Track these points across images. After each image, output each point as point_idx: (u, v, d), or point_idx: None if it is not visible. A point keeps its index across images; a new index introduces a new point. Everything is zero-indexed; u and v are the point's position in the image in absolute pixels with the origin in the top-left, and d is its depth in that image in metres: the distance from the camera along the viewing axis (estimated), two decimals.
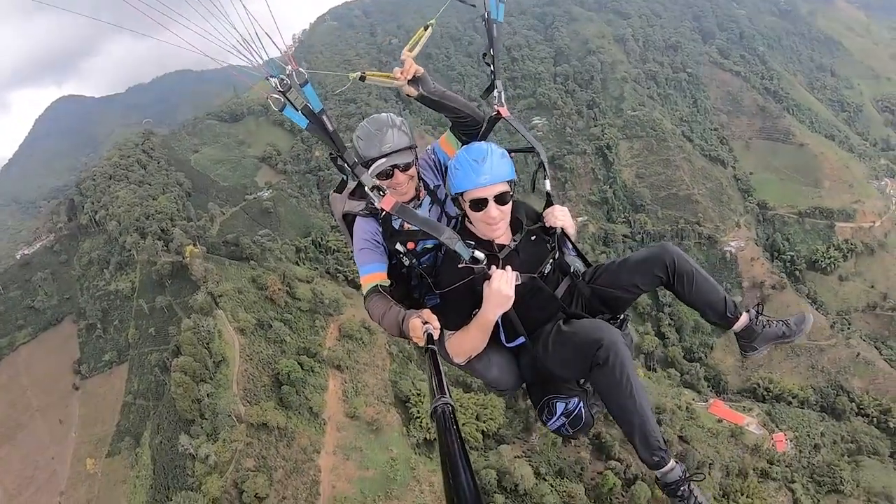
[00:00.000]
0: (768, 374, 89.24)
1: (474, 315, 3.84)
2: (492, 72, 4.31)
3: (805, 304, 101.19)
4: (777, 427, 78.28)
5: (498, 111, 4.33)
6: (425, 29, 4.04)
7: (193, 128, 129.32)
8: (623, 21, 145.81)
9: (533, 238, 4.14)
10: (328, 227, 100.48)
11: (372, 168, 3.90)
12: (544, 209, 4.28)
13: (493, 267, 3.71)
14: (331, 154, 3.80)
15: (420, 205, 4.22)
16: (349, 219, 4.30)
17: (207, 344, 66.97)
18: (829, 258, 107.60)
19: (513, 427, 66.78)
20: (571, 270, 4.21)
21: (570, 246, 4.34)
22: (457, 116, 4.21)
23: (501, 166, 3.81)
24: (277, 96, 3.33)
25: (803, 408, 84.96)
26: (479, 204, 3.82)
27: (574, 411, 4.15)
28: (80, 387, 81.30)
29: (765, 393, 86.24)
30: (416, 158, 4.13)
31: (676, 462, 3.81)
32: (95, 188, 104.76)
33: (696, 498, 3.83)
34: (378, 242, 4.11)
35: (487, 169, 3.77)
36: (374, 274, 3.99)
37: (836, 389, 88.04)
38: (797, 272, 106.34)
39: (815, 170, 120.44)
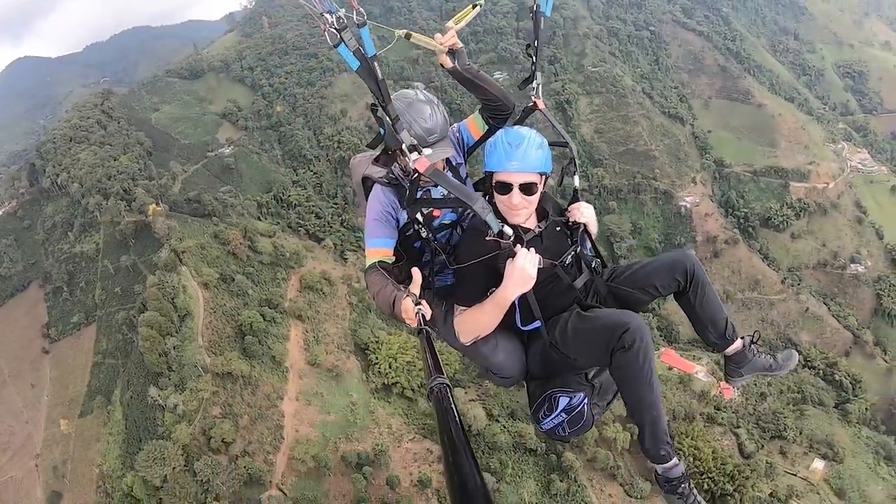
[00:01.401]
0: None
1: (490, 294, 3.80)
2: (533, 63, 4.34)
3: (757, 259, 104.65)
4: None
5: (535, 102, 4.45)
6: (473, 7, 4.00)
7: (153, 86, 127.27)
8: None
9: (557, 229, 4.15)
10: (289, 181, 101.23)
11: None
12: (569, 204, 4.34)
13: (518, 245, 3.68)
14: (372, 104, 3.68)
15: None
16: (368, 184, 4.23)
17: (172, 299, 68.25)
18: (782, 216, 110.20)
19: (468, 373, 69.55)
20: (592, 266, 4.26)
21: (589, 244, 4.37)
22: (487, 98, 4.17)
23: (535, 157, 3.80)
24: (334, 31, 3.17)
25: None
26: (504, 188, 3.84)
27: (577, 407, 4.06)
28: (50, 350, 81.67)
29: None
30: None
31: (679, 459, 3.83)
32: (56, 151, 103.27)
33: (695, 496, 3.85)
34: (391, 216, 4.05)
35: (520, 156, 3.77)
36: (379, 249, 3.94)
37: (785, 342, 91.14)
38: (750, 228, 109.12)
39: (772, 130, 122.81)
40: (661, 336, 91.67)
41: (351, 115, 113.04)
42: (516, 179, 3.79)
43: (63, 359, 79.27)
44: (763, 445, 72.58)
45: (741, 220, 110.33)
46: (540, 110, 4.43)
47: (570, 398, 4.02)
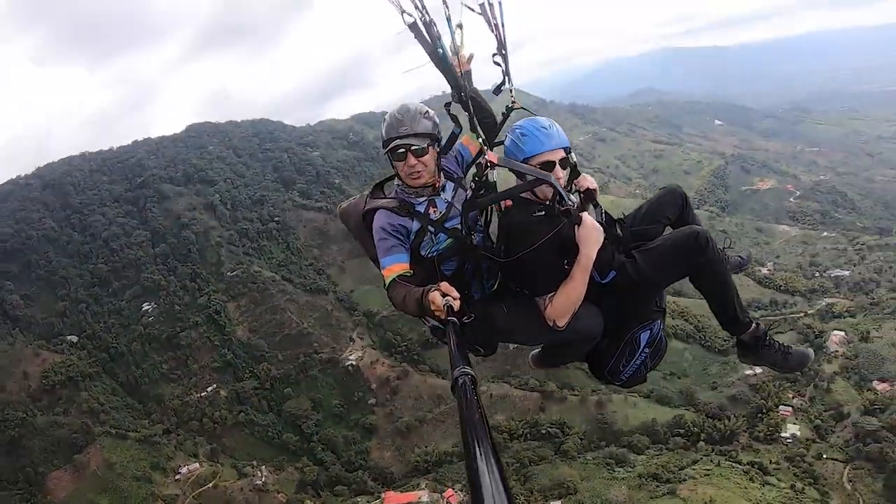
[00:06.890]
0: (422, 448, 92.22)
1: (567, 267, 3.96)
2: (503, 62, 4.47)
3: (431, 377, 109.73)
4: (446, 485, 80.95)
5: (513, 101, 4.62)
6: (458, 28, 4.04)
7: None
8: (211, 188, 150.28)
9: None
10: None
11: (388, 147, 4.04)
12: (572, 177, 4.53)
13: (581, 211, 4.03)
14: (446, 104, 4.19)
15: (442, 190, 4.26)
16: (369, 217, 4.24)
17: None
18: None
19: None
20: (620, 217, 4.63)
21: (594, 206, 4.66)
22: (483, 117, 4.41)
23: (563, 133, 4.14)
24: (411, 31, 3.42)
25: (460, 461, 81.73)
26: (548, 166, 4.04)
27: (657, 335, 4.43)
28: None
29: (426, 464, 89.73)
30: (436, 148, 4.14)
31: (756, 321, 4.42)
32: None
33: (777, 342, 4.44)
34: (399, 232, 4.10)
35: (555, 133, 4.09)
36: (394, 266, 4.00)
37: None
38: (415, 356, 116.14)
39: None
40: (379, 484, 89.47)
41: None
42: (557, 156, 4.07)
43: None
44: None
45: (405, 353, 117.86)
46: (520, 108, 4.66)
47: (651, 329, 4.40)
